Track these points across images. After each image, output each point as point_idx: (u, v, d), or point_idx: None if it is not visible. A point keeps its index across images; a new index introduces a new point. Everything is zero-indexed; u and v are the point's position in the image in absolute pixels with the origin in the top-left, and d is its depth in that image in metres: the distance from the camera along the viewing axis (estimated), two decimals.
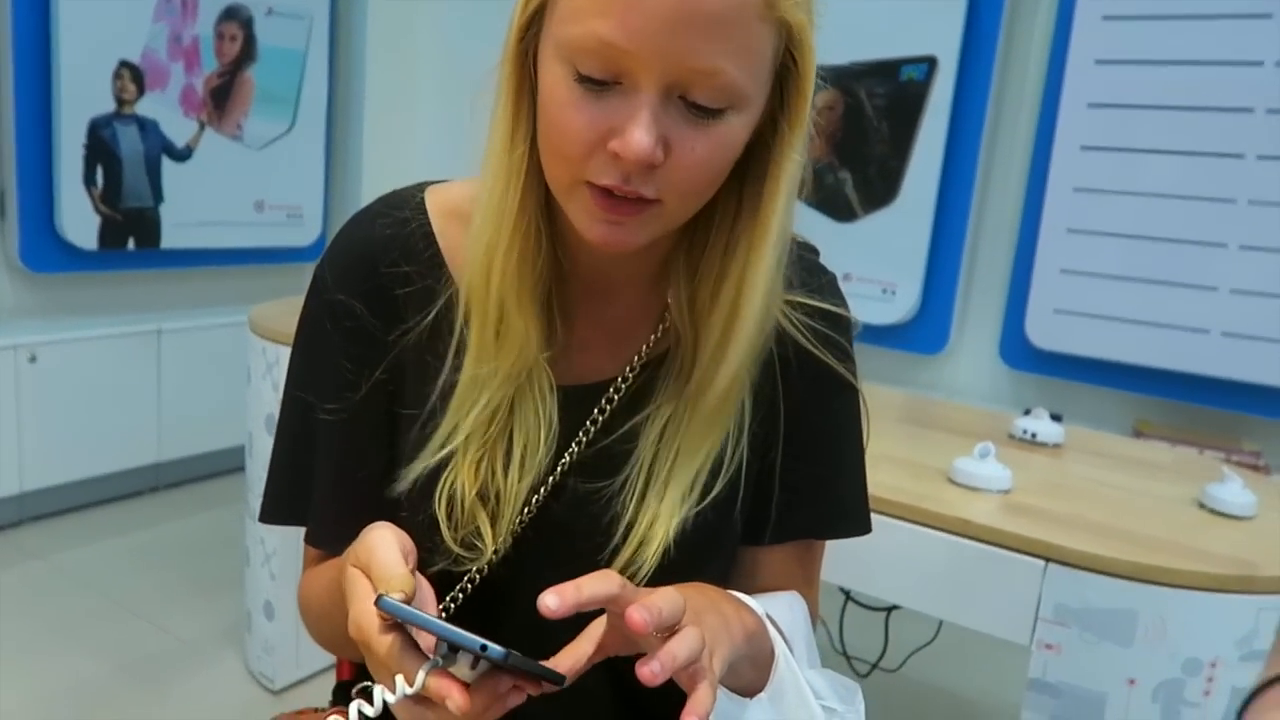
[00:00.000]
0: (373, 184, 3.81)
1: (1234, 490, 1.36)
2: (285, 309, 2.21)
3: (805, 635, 0.71)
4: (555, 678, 0.51)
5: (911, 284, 2.88)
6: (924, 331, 2.91)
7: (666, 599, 0.50)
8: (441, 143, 3.87)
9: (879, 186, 2.92)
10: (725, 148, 0.58)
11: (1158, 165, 2.52)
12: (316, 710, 0.78)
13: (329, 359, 0.71)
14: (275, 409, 1.98)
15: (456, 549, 0.66)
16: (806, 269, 0.73)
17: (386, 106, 3.81)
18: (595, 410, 0.70)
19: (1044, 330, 2.70)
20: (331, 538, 0.72)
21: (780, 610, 0.69)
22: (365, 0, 3.67)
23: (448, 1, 3.83)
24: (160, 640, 2.35)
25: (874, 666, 2.06)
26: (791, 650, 0.65)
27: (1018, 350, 2.80)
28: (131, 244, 3.12)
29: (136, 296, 3.27)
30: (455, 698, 0.49)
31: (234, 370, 2.48)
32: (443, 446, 0.66)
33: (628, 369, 0.70)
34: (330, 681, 2.19)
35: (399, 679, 0.50)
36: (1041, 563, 1.23)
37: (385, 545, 0.55)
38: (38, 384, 2.88)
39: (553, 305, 0.68)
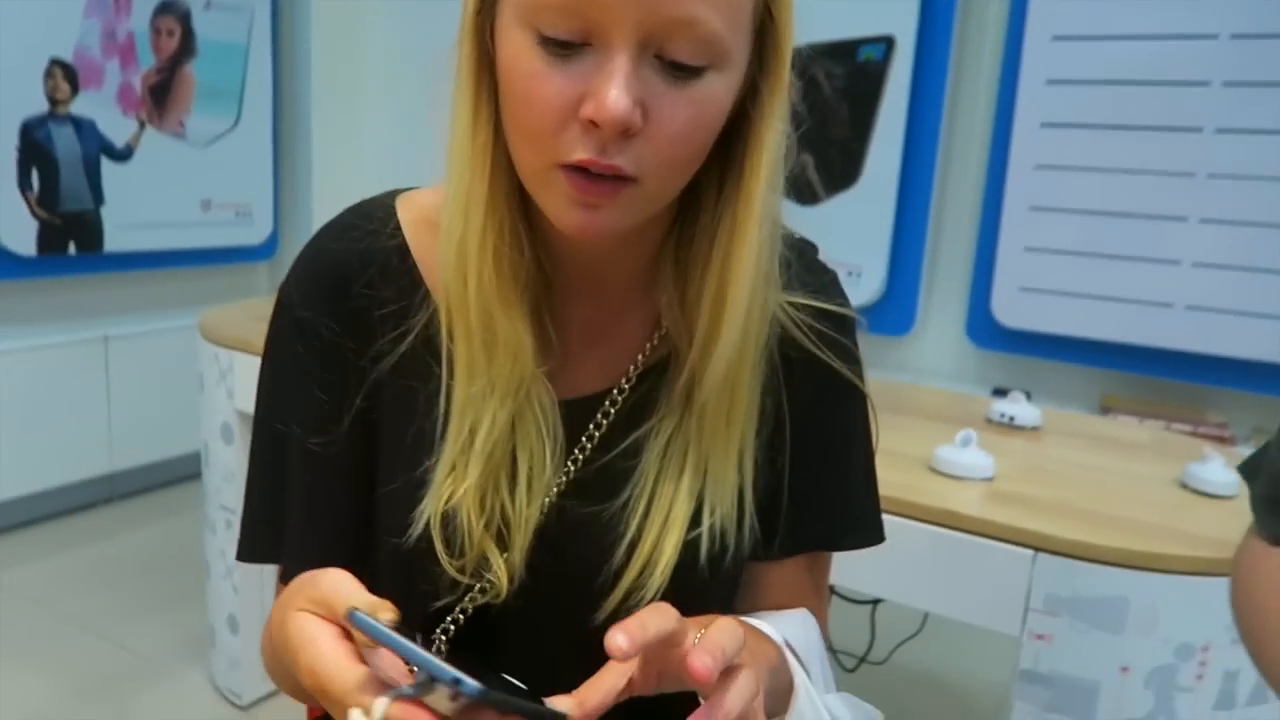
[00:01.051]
0: (324, 178, 3.71)
1: (1215, 470, 1.35)
2: (237, 313, 2.13)
3: (820, 658, 0.68)
4: (555, 717, 0.46)
5: (877, 266, 2.86)
6: (891, 313, 2.90)
7: (728, 635, 0.45)
8: (392, 133, 3.78)
9: (841, 168, 2.90)
10: (707, 113, 0.53)
11: (1117, 140, 2.52)
12: None
13: (302, 383, 0.65)
14: (230, 417, 1.93)
15: (465, 579, 0.61)
16: (806, 267, 0.69)
17: (334, 98, 3.71)
18: (591, 425, 0.65)
19: (1010, 308, 2.70)
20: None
21: (795, 633, 0.65)
22: None
23: None
24: (120, 658, 2.27)
25: (861, 660, 2.04)
26: (809, 676, 0.61)
27: (984, 329, 2.79)
28: (73, 248, 3.01)
29: (81, 303, 3.16)
30: (424, 716, 0.43)
31: (185, 375, 2.39)
32: (447, 477, 0.61)
33: (624, 380, 0.66)
34: None
35: (354, 713, 0.44)
36: (1030, 552, 1.21)
37: (346, 581, 0.49)
38: None
39: (544, 314, 0.63)
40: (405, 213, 0.67)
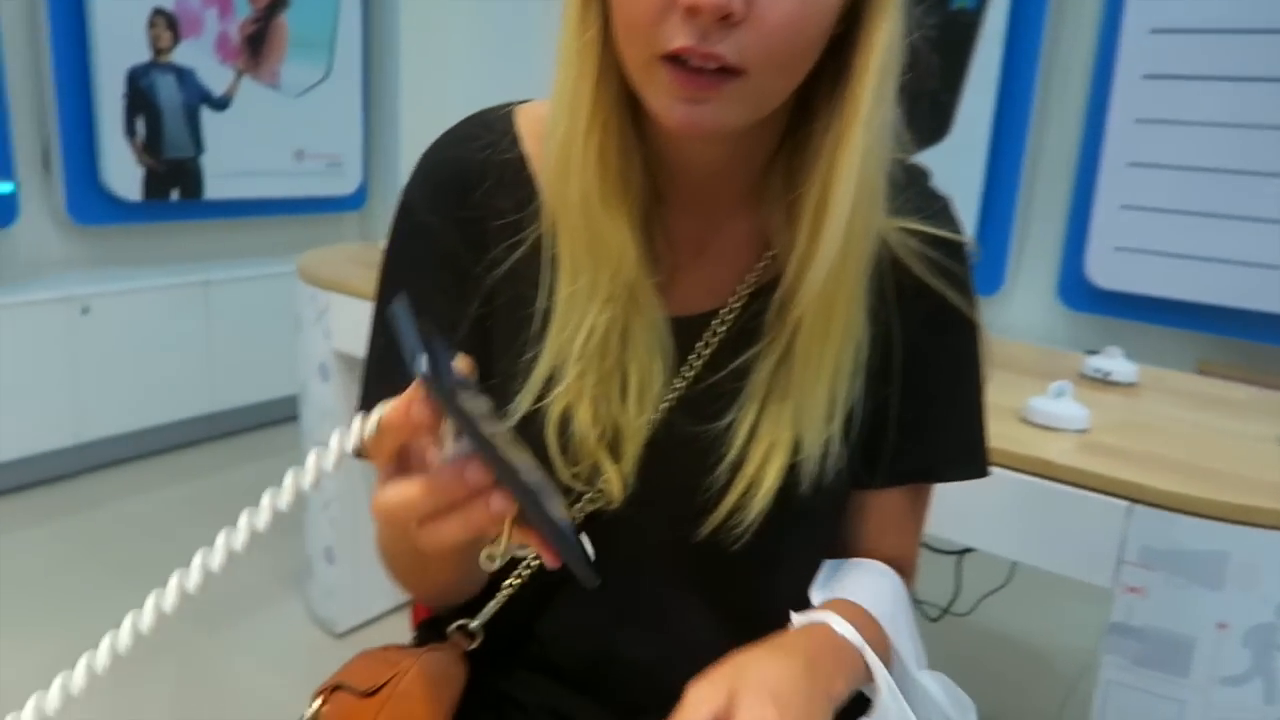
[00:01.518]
0: (411, 131, 3.76)
1: None
2: (334, 256, 2.20)
3: (909, 629, 0.68)
4: (565, 538, 0.47)
5: (965, 223, 2.80)
6: (979, 272, 2.82)
7: None
8: (480, 88, 3.81)
9: (930, 122, 2.84)
10: (812, 6, 0.52)
11: (1223, 93, 2.42)
12: (400, 647, 0.76)
13: (422, 285, 0.67)
14: (327, 357, 2.00)
15: (580, 485, 0.64)
16: (920, 193, 0.69)
17: (422, 49, 3.75)
18: (699, 344, 0.66)
19: (1105, 269, 2.63)
20: None
21: (884, 606, 0.66)
22: None
23: None
24: (222, 586, 2.35)
25: (945, 611, 2.04)
26: (897, 648, 0.63)
27: (1076, 290, 2.73)
28: (175, 195, 3.12)
29: (183, 247, 3.28)
30: (414, 408, 0.44)
31: (282, 321, 2.48)
32: (550, 376, 0.63)
33: (732, 299, 0.66)
34: (393, 624, 2.22)
35: (358, 416, 0.46)
36: (1125, 504, 1.19)
37: None
38: (91, 336, 2.90)
39: (654, 226, 0.64)
40: (524, 124, 0.68)
